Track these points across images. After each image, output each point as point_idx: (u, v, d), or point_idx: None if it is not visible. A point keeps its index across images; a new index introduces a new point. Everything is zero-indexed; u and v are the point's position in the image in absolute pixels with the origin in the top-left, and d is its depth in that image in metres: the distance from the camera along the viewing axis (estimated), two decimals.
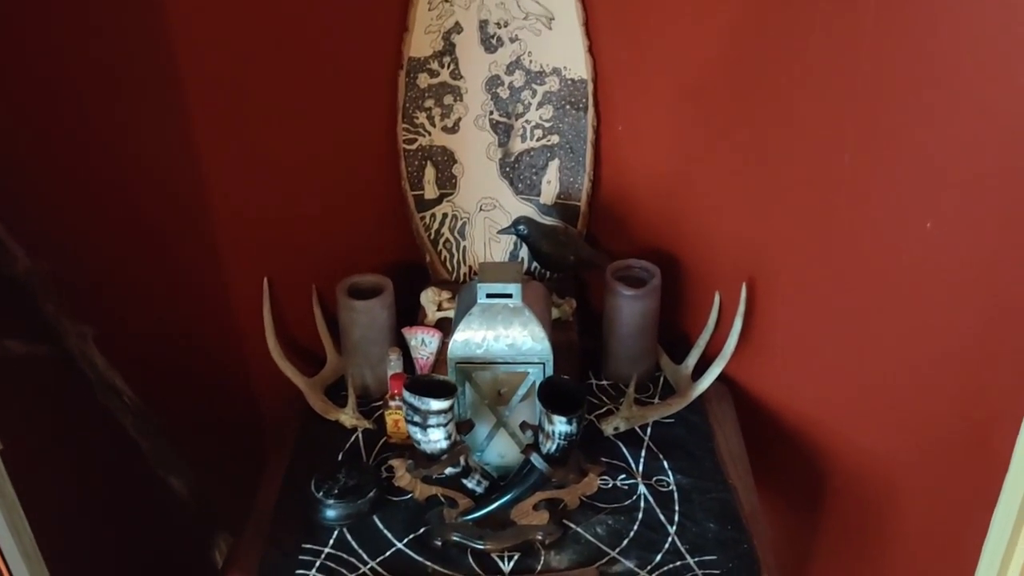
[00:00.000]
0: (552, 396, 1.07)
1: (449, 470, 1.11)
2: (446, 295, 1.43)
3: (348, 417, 1.33)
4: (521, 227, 1.37)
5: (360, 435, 1.33)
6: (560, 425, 1.05)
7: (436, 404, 1.04)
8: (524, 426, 1.14)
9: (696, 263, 1.44)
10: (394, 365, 1.32)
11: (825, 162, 1.18)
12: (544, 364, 1.15)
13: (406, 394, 1.06)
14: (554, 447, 1.07)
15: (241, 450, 1.43)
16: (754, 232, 1.33)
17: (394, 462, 1.14)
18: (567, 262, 1.40)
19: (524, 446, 1.13)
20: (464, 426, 1.13)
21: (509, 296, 1.13)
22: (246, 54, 1.27)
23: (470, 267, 1.52)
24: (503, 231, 1.39)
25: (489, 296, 1.14)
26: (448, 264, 1.53)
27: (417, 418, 1.06)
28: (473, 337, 1.14)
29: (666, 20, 1.32)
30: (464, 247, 1.52)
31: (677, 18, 1.31)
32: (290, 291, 1.45)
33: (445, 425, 1.07)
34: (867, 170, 1.14)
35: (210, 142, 1.27)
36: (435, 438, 1.07)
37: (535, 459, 1.08)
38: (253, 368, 1.42)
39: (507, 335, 1.14)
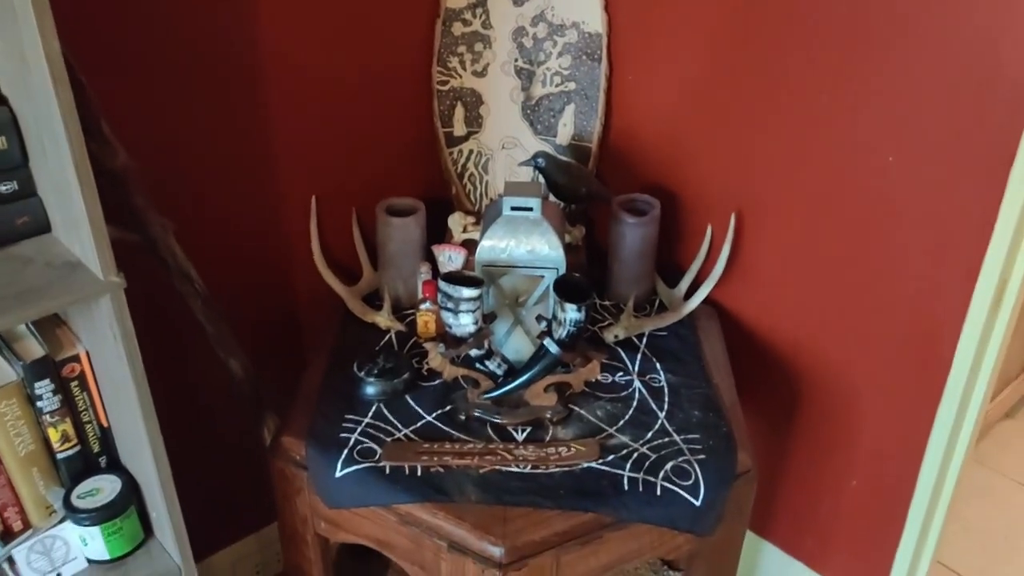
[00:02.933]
0: (564, 290, 1.26)
1: (474, 351, 1.30)
2: (470, 220, 1.62)
3: (384, 319, 1.52)
4: (540, 160, 1.56)
5: (393, 336, 1.52)
6: (571, 312, 1.24)
7: (467, 292, 1.24)
8: (539, 318, 1.34)
9: (691, 198, 1.63)
10: (424, 276, 1.51)
11: (805, 104, 1.38)
12: (557, 269, 1.34)
13: (442, 284, 1.25)
14: (565, 333, 1.26)
15: (287, 346, 1.63)
16: (743, 169, 1.53)
17: (427, 345, 1.34)
18: (579, 193, 1.59)
19: (539, 333, 1.32)
20: (488, 317, 1.32)
21: (530, 209, 1.32)
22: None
23: (491, 199, 1.72)
24: (524, 163, 1.58)
25: (513, 208, 1.33)
26: (472, 196, 1.72)
27: (450, 304, 1.25)
28: (498, 244, 1.33)
29: None
30: (487, 181, 1.71)
31: None
32: (333, 211, 1.64)
33: (473, 312, 1.26)
34: (840, 111, 1.33)
35: (270, 75, 1.45)
36: (465, 322, 1.26)
37: (548, 343, 1.28)
38: (298, 274, 1.61)
39: (527, 243, 1.33)
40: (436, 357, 1.32)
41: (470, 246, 1.57)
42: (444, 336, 1.31)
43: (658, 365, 1.46)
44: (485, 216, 1.41)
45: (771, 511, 1.72)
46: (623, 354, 1.49)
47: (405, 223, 1.53)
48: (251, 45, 1.40)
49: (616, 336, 1.50)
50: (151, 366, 1.05)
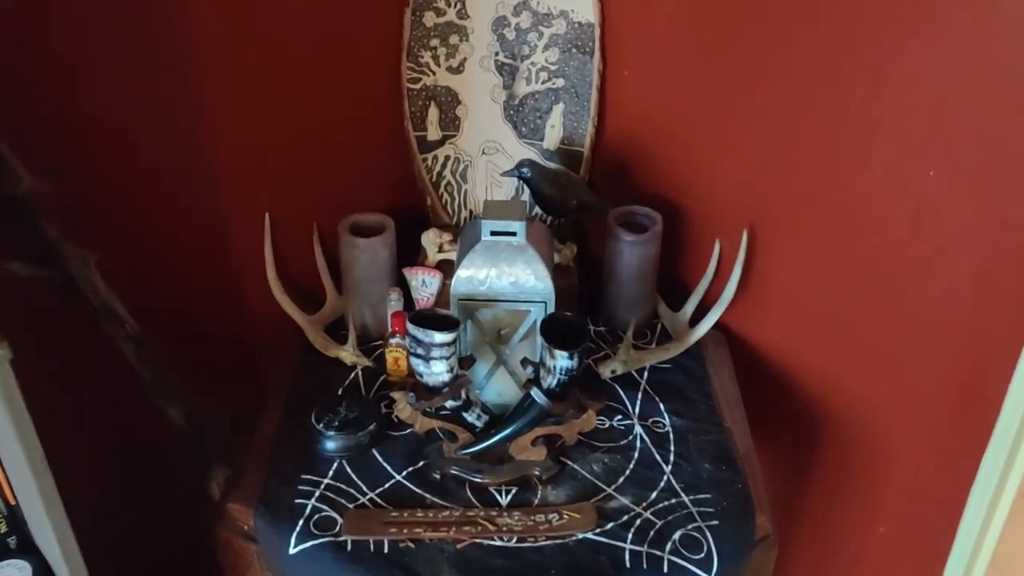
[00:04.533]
0: (554, 332, 1.07)
1: (450, 403, 1.12)
2: (447, 237, 1.43)
3: (348, 354, 1.34)
4: (524, 169, 1.37)
5: (360, 372, 1.34)
6: (562, 360, 1.06)
7: (440, 337, 1.05)
8: (525, 362, 1.15)
9: (697, 211, 1.44)
10: (394, 304, 1.33)
11: (832, 106, 1.18)
12: (546, 303, 1.15)
13: (410, 327, 1.06)
14: (555, 382, 1.08)
15: (238, 386, 1.44)
16: (757, 179, 1.34)
17: (395, 395, 1.15)
18: (569, 206, 1.40)
19: (525, 381, 1.14)
20: (466, 361, 1.14)
21: (513, 234, 1.14)
22: None
23: (471, 211, 1.52)
24: (507, 173, 1.38)
25: (493, 233, 1.14)
26: (449, 208, 1.53)
27: (420, 350, 1.06)
28: (476, 274, 1.15)
29: None
30: (465, 191, 1.51)
31: None
32: (290, 229, 1.44)
33: (448, 358, 1.07)
34: (874, 115, 1.14)
35: (212, 73, 1.25)
36: (438, 371, 1.08)
37: (535, 393, 1.10)
38: (252, 304, 1.42)
39: (510, 273, 1.14)
40: (405, 408, 1.14)
41: (447, 268, 1.38)
42: (415, 384, 1.12)
43: (662, 406, 1.28)
44: (461, 240, 1.22)
45: (784, 558, 1.54)
46: (622, 392, 1.30)
47: (371, 244, 1.34)
48: (187, 35, 1.20)
49: (614, 371, 1.32)
50: (73, 420, 0.87)
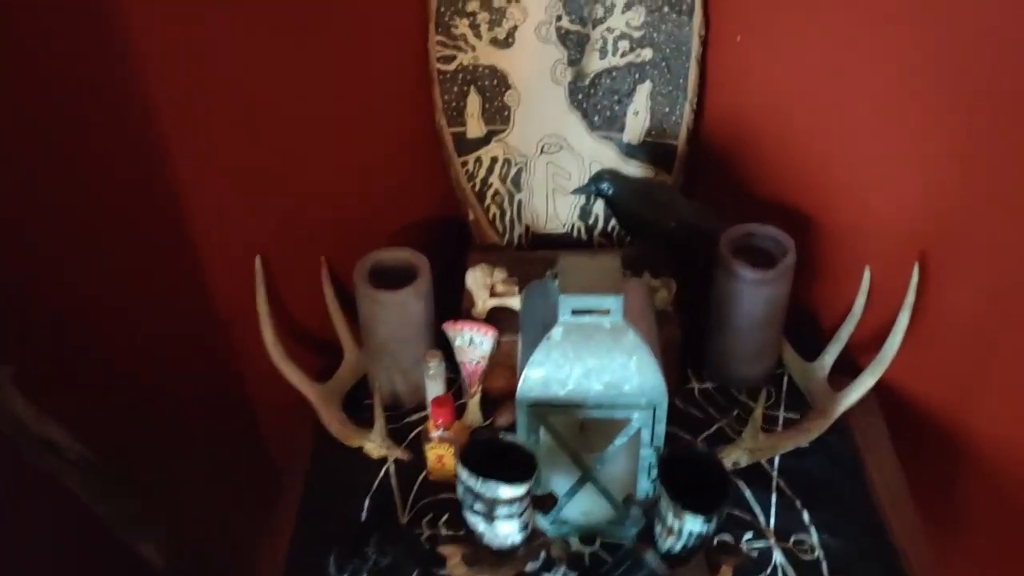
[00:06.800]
0: (675, 472, 0.72)
1: (529, 567, 0.78)
2: (500, 275, 1.07)
3: (375, 446, 1.00)
4: (604, 184, 0.99)
5: (392, 469, 1.00)
6: (692, 523, 0.71)
7: (507, 491, 0.70)
8: (629, 500, 0.81)
9: (839, 227, 1.06)
10: (433, 374, 0.98)
11: None
12: (655, 408, 0.80)
13: (462, 473, 0.72)
14: (679, 546, 0.73)
15: (246, 478, 1.11)
16: (932, 189, 0.96)
17: (445, 550, 0.81)
18: (665, 228, 1.03)
19: (633, 541, 0.79)
20: (546, 502, 0.80)
21: (607, 312, 0.77)
22: None
23: (527, 227, 1.15)
24: (579, 190, 1.01)
25: (576, 312, 0.78)
26: (499, 223, 1.15)
27: (480, 506, 0.72)
28: (554, 373, 0.79)
29: None
30: (520, 201, 1.14)
31: None
32: (293, 266, 1.09)
33: (520, 515, 0.73)
34: None
35: (182, 50, 0.89)
36: (505, 531, 0.74)
37: (651, 557, 0.75)
38: (251, 372, 1.08)
39: (602, 368, 0.79)
40: (459, 566, 0.80)
41: (502, 318, 1.03)
42: (474, 546, 0.78)
43: (806, 515, 0.94)
44: (524, 310, 0.86)
45: None
46: (748, 492, 0.96)
47: (399, 299, 0.99)
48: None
49: (736, 463, 0.97)
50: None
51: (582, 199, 1.13)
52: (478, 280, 1.06)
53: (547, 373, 0.79)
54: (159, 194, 0.95)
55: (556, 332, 0.78)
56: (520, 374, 0.79)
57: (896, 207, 1.00)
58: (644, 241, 1.07)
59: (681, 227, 1.03)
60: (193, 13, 0.89)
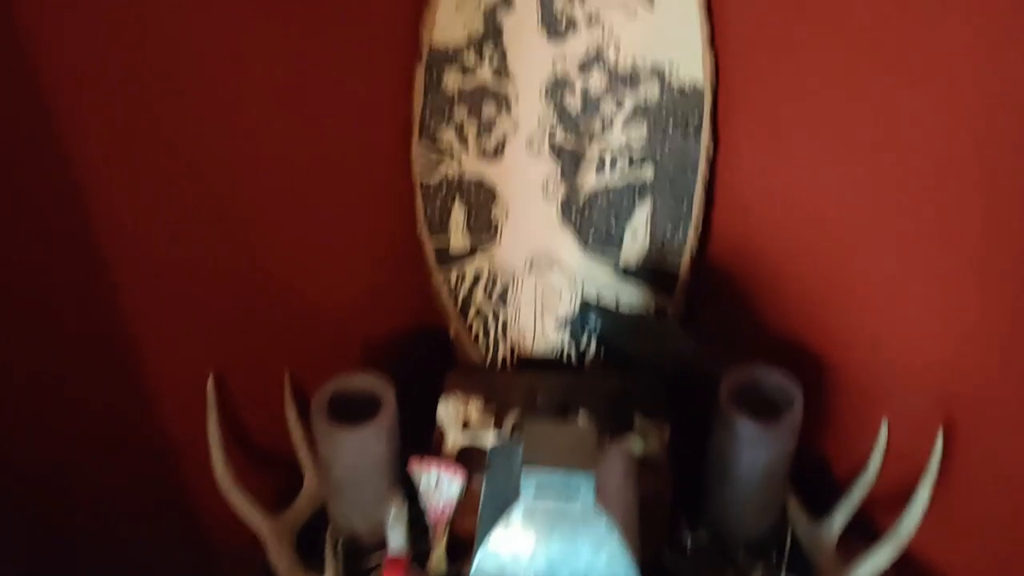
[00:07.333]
0: None
1: None
2: (476, 405, 0.97)
3: None
4: (590, 319, 0.90)
5: None
6: None
7: None
8: None
9: (854, 373, 0.95)
10: (393, 521, 0.88)
11: None
12: None
13: None
14: None
15: None
16: (965, 346, 0.85)
17: None
18: (659, 366, 0.93)
19: None
20: None
21: (575, 496, 0.67)
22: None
23: (512, 348, 1.06)
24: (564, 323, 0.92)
25: (540, 491, 0.68)
26: (482, 342, 1.06)
27: None
28: (513, 550, 0.69)
29: None
30: (504, 321, 1.05)
31: None
32: (250, 382, 1.00)
33: None
34: None
35: (130, 145, 0.81)
36: None
37: None
38: (203, 503, 0.99)
39: (568, 555, 0.68)
40: None
41: (472, 458, 0.93)
42: None
43: None
44: (487, 479, 0.76)
45: None
46: None
47: (359, 436, 0.89)
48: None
49: None
50: None
51: (575, 311, 1.03)
52: (450, 414, 0.95)
53: (501, 558, 0.69)
54: (100, 306, 0.87)
55: (518, 511, 0.68)
56: (473, 559, 0.69)
57: (921, 359, 0.89)
58: (639, 373, 0.97)
59: (676, 367, 0.93)
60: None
